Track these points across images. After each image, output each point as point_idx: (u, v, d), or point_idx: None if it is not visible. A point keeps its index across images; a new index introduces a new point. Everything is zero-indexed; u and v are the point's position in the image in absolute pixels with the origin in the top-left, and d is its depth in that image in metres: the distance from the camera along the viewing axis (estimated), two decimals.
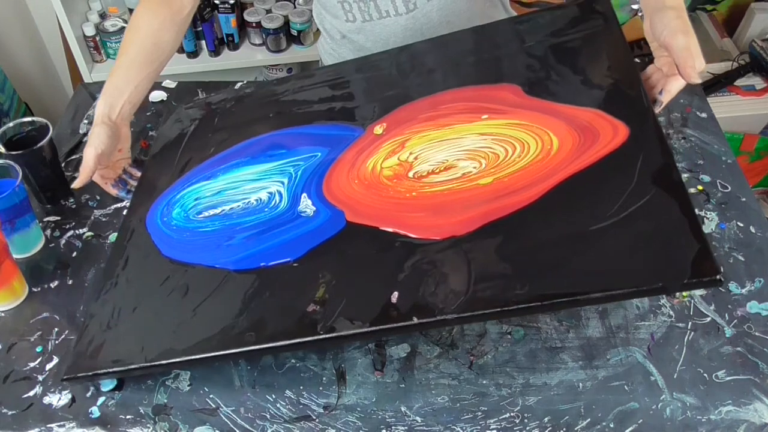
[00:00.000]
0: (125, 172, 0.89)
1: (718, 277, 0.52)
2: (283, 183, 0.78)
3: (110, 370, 0.66)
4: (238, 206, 0.77)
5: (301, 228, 0.71)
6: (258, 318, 0.64)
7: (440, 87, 0.80)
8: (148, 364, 0.65)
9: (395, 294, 0.61)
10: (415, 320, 0.59)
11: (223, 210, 0.78)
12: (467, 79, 0.80)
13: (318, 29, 1.06)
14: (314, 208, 0.73)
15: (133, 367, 0.65)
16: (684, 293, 0.61)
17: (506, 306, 0.56)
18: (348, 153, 0.78)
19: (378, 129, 0.79)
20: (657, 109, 0.70)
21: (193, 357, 0.64)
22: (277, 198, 0.76)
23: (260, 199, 0.77)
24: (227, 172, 0.83)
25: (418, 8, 0.91)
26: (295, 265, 0.68)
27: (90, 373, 0.67)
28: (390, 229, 0.67)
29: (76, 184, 0.81)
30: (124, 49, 0.85)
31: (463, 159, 0.71)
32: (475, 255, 0.61)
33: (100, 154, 0.80)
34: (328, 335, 0.60)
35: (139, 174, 0.89)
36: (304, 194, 0.75)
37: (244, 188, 0.79)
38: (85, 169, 0.80)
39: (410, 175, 0.72)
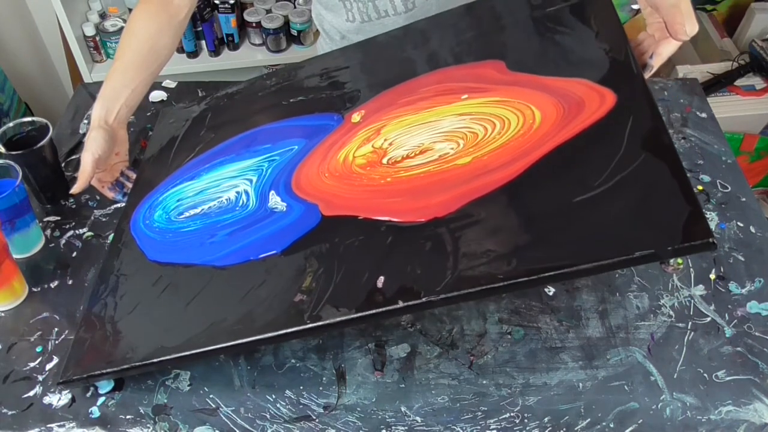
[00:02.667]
0: (122, 175, 0.89)
1: (710, 240, 0.50)
2: (251, 181, 0.77)
3: (104, 371, 0.66)
4: (215, 205, 0.77)
5: (279, 222, 0.70)
6: (246, 311, 0.64)
7: (422, 70, 0.78)
8: (139, 363, 0.65)
9: (381, 279, 0.60)
10: (401, 303, 0.57)
11: (203, 209, 0.78)
12: (450, 59, 0.77)
13: (318, 29, 1.06)
14: (285, 204, 0.72)
15: (125, 367, 0.65)
16: (679, 260, 0.59)
17: (492, 283, 0.55)
18: (321, 146, 0.76)
19: (356, 117, 0.77)
20: (647, 74, 0.67)
21: (182, 354, 0.64)
22: (244, 197, 0.76)
23: (229, 198, 0.77)
24: (211, 170, 0.82)
25: (417, 7, 0.91)
26: (281, 256, 0.67)
27: (84, 376, 0.67)
28: (371, 216, 0.65)
29: (74, 190, 0.81)
30: (121, 53, 0.85)
31: (440, 141, 0.69)
32: (458, 234, 0.59)
33: (97, 159, 0.80)
34: (314, 324, 0.59)
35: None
36: (272, 191, 0.74)
37: (222, 186, 0.79)
38: (83, 174, 0.80)
39: (384, 161, 0.70)
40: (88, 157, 0.80)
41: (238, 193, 0.77)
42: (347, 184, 0.70)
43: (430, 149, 0.68)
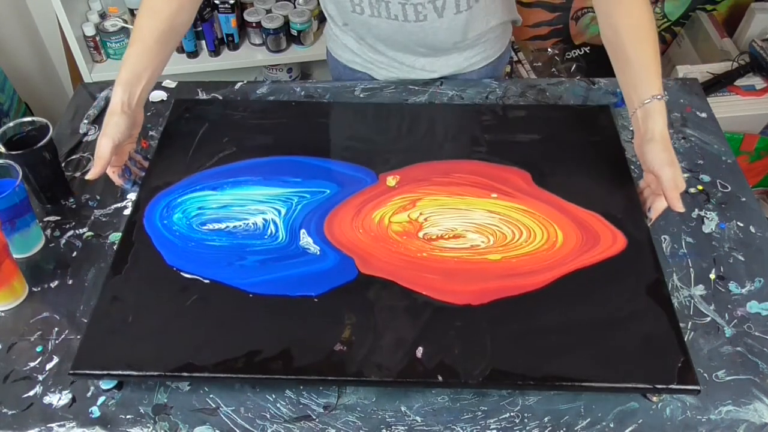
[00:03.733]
0: (130, 159, 0.87)
1: (698, 388, 0.62)
2: (279, 212, 0.79)
3: (125, 372, 0.66)
4: (240, 225, 0.78)
5: (313, 265, 0.74)
6: (284, 348, 0.66)
7: (457, 154, 0.87)
8: (172, 374, 0.66)
9: (420, 349, 0.65)
10: (440, 379, 0.64)
11: (227, 226, 0.78)
12: (482, 153, 0.87)
13: (318, 29, 1.06)
14: (318, 248, 0.75)
15: (153, 374, 0.66)
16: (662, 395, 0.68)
17: (523, 381, 0.64)
18: (355, 198, 0.80)
19: (391, 180, 0.82)
20: (647, 224, 0.77)
21: (219, 375, 0.65)
22: (272, 228, 0.77)
23: (256, 224, 0.78)
24: (235, 187, 0.83)
25: (428, 21, 0.91)
26: (316, 300, 0.70)
27: (103, 372, 0.66)
28: (409, 286, 0.70)
29: (90, 176, 0.80)
30: (138, 33, 0.83)
31: (472, 231, 0.76)
32: (491, 326, 0.67)
33: (116, 145, 0.79)
34: (359, 378, 0.64)
35: (145, 163, 0.88)
36: (303, 230, 0.77)
37: (249, 208, 0.80)
38: (100, 160, 0.78)
39: (420, 235, 0.76)
40: (107, 143, 0.78)
41: (265, 221, 0.78)
42: (383, 247, 0.75)
43: (462, 236, 0.76)
